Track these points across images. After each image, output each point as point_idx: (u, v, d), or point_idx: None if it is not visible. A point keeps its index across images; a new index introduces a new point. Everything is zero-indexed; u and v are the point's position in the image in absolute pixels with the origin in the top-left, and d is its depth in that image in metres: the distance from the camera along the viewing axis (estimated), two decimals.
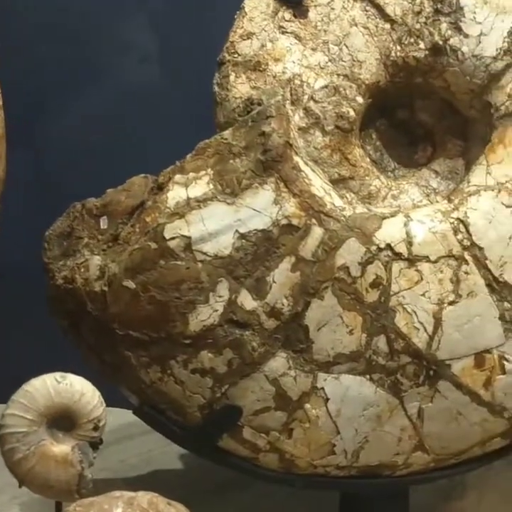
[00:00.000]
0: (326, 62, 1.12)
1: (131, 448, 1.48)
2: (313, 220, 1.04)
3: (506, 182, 1.08)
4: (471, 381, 1.08)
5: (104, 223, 1.08)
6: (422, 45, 1.11)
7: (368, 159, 1.16)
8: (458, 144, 1.17)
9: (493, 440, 1.14)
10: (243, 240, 1.04)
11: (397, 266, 1.06)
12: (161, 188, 1.07)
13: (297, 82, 1.11)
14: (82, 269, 1.07)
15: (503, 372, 1.08)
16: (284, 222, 1.04)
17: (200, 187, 1.05)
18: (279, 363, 1.06)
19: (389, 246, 1.06)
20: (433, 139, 1.19)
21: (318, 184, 1.07)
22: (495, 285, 1.07)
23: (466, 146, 1.16)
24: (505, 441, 1.15)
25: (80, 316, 1.10)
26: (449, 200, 1.11)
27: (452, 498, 1.32)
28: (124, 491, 0.79)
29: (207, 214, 1.04)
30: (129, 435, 1.45)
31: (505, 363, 1.08)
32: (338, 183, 1.12)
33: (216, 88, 1.15)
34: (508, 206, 1.07)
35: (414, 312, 1.06)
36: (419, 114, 1.18)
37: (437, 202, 1.14)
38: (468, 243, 1.07)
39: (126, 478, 1.35)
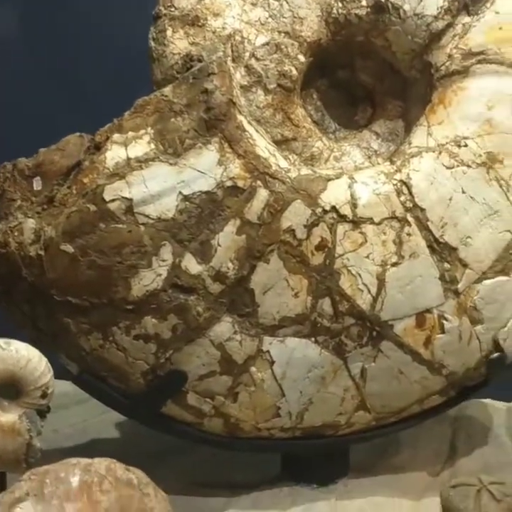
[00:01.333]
0: (267, 18, 1.09)
1: (65, 418, 1.43)
2: (259, 182, 1.02)
3: (447, 143, 1.09)
4: (412, 340, 1.10)
5: (37, 184, 1.02)
6: (363, 2, 1.09)
7: (310, 120, 1.15)
8: (398, 104, 1.17)
9: (431, 397, 1.17)
10: (187, 202, 1.00)
11: (341, 228, 1.06)
12: (98, 148, 1.02)
13: (238, 38, 1.07)
14: (16, 233, 1.02)
15: (443, 331, 1.11)
16: (228, 183, 1.01)
17: (141, 146, 1.00)
18: (224, 327, 1.05)
19: (334, 208, 1.05)
20: (373, 99, 1.19)
21: (262, 145, 1.04)
22: (436, 246, 1.08)
23: (407, 107, 1.16)
24: (442, 398, 1.18)
25: (13, 282, 1.04)
26: (392, 162, 1.11)
27: (388, 455, 1.35)
28: (80, 458, 0.76)
29: (149, 175, 1.00)
30: (63, 405, 1.40)
31: (444, 322, 1.10)
32: (281, 144, 1.10)
33: (152, 43, 1.10)
34: (448, 167, 1.08)
35: (359, 274, 1.06)
36: (360, 75, 1.17)
37: (378, 164, 1.14)
38: (411, 205, 1.07)
39: (61, 449, 1.30)
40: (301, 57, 1.10)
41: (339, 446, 1.20)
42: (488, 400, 1.61)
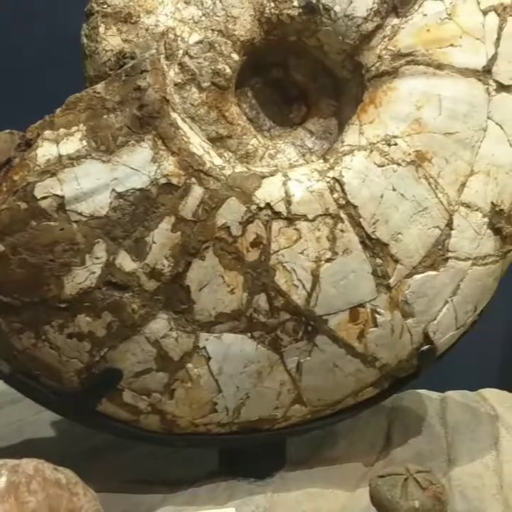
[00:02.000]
0: (200, 17, 1.09)
1: (0, 418, 1.41)
2: (193, 179, 1.03)
3: (378, 142, 1.11)
4: (346, 334, 1.12)
5: None
6: (295, 3, 1.11)
7: (245, 117, 1.16)
8: (331, 103, 1.19)
9: (366, 390, 1.20)
10: (120, 200, 1.00)
11: (276, 225, 1.07)
12: (29, 145, 1.00)
13: (171, 36, 1.07)
14: None
15: (375, 325, 1.13)
16: (162, 181, 1.01)
17: (73, 143, 1.00)
18: (160, 324, 1.05)
19: (269, 205, 1.06)
20: (307, 98, 1.20)
21: (196, 142, 1.05)
22: (368, 242, 1.10)
23: (340, 106, 1.19)
24: (375, 390, 1.21)
25: None
26: (325, 160, 1.13)
27: (324, 448, 1.37)
28: (7, 459, 0.75)
29: (81, 172, 0.99)
30: None
31: (377, 316, 1.13)
32: (215, 141, 1.11)
33: (85, 40, 1.09)
34: (379, 165, 1.11)
35: (294, 270, 1.08)
36: (293, 74, 1.19)
37: (313, 161, 1.15)
38: (344, 202, 1.09)
39: None
40: (235, 56, 1.11)
41: (276, 439, 1.22)
42: (423, 391, 1.66)
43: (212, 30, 1.09)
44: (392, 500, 0.78)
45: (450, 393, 1.66)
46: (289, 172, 1.10)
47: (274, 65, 1.19)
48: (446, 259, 1.15)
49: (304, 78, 1.19)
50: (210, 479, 1.22)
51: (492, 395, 1.65)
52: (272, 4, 1.11)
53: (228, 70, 1.10)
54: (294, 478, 1.25)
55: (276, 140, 1.18)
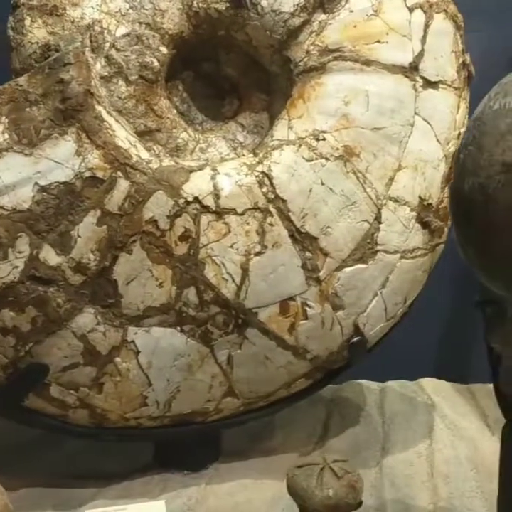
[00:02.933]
0: (127, 9, 1.09)
1: None
2: (119, 173, 1.02)
3: (306, 137, 1.12)
4: (276, 327, 1.13)
5: None
6: None
7: (175, 111, 1.16)
8: (262, 98, 1.20)
9: (298, 381, 1.21)
10: (44, 193, 0.99)
11: (205, 219, 1.07)
12: None
13: (97, 28, 1.07)
14: None
15: (306, 317, 1.14)
16: (87, 174, 1.01)
17: None
18: (87, 318, 1.04)
19: (197, 199, 1.07)
20: (239, 92, 1.21)
21: (123, 136, 1.05)
22: (297, 236, 1.11)
23: (271, 101, 1.19)
24: (308, 381, 1.23)
25: None
26: (254, 154, 1.14)
27: (261, 439, 1.38)
28: None
29: (2, 166, 0.98)
30: None
31: (307, 308, 1.14)
32: (144, 134, 1.11)
33: (11, 32, 1.08)
34: (308, 160, 1.12)
35: (223, 263, 1.08)
36: (225, 68, 1.19)
37: (244, 155, 1.16)
38: (273, 196, 1.10)
39: None
40: (163, 49, 1.11)
41: (210, 432, 1.23)
42: (363, 381, 1.69)
43: (140, 23, 1.09)
44: (307, 489, 0.79)
45: (390, 383, 1.69)
46: (218, 166, 1.11)
47: (205, 59, 1.19)
48: (375, 253, 1.16)
49: (235, 72, 1.20)
50: (144, 472, 1.22)
51: (430, 385, 1.68)
52: None
53: (156, 63, 1.10)
54: (229, 469, 1.26)
55: (208, 134, 1.19)
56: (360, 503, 0.80)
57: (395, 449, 1.37)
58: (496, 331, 0.77)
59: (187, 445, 1.22)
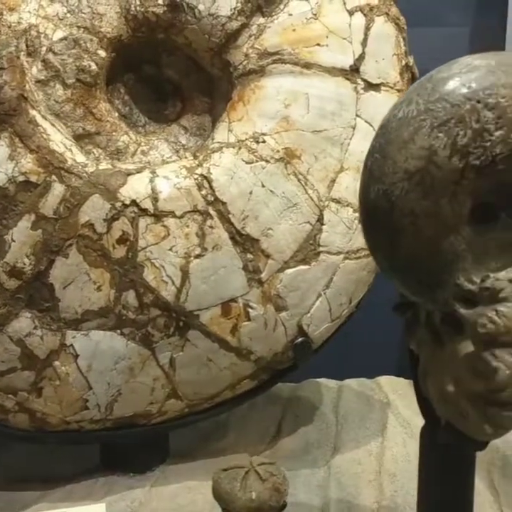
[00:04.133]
0: (65, 14, 1.09)
1: None
2: (54, 177, 1.02)
3: (246, 139, 1.13)
4: (219, 329, 1.14)
5: None
6: (160, 1, 1.11)
7: (116, 114, 1.16)
8: (205, 100, 1.20)
9: (242, 382, 1.22)
10: None
11: (143, 222, 1.08)
12: None
13: (34, 33, 1.06)
14: None
15: (248, 319, 1.15)
16: (20, 178, 1.01)
17: None
18: (23, 323, 1.04)
19: (134, 202, 1.07)
20: (182, 95, 1.21)
21: (58, 139, 1.05)
22: (238, 238, 1.12)
23: (213, 103, 1.20)
24: (253, 383, 1.23)
25: None
26: (195, 157, 1.14)
27: (213, 440, 1.39)
28: None
29: None
30: None
31: (249, 310, 1.15)
32: (83, 138, 1.11)
33: None
34: (248, 162, 1.12)
35: (162, 266, 1.09)
36: (166, 70, 1.20)
37: (186, 158, 1.16)
38: (212, 198, 1.11)
39: None
40: (102, 53, 1.11)
41: (156, 434, 1.23)
42: (322, 380, 1.70)
43: (78, 27, 1.09)
44: (230, 492, 0.80)
45: (348, 381, 1.70)
46: (157, 169, 1.11)
47: (146, 62, 1.19)
48: (318, 254, 1.17)
49: (177, 75, 1.20)
50: (90, 475, 1.23)
51: (388, 383, 1.69)
52: (138, 2, 1.11)
53: (94, 67, 1.10)
54: (175, 471, 1.26)
55: (151, 136, 1.19)
56: (283, 506, 0.81)
57: (345, 448, 1.38)
58: (414, 333, 0.77)
59: (132, 447, 1.22)
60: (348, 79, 1.16)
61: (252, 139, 1.12)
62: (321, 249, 1.17)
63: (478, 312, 0.67)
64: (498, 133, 0.66)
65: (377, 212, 0.69)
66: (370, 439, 1.41)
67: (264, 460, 0.83)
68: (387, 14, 1.20)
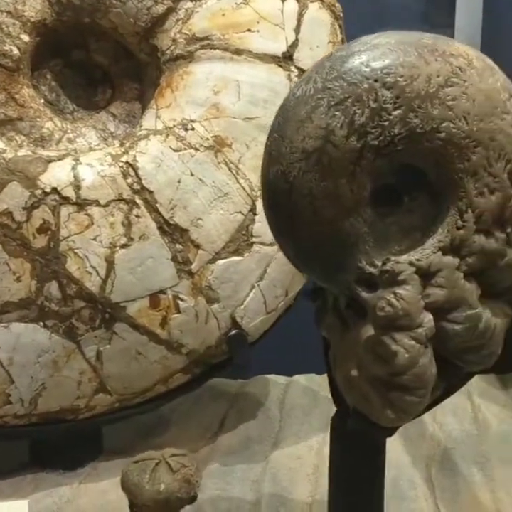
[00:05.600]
0: None
1: None
2: None
3: (174, 126, 1.10)
4: (147, 321, 1.11)
5: None
6: None
7: (41, 100, 1.13)
8: (134, 87, 1.18)
9: (175, 376, 1.19)
10: None
11: (65, 210, 1.05)
12: None
13: None
14: None
15: (178, 311, 1.13)
16: None
17: None
18: None
19: (55, 190, 1.04)
20: (111, 81, 1.18)
21: None
22: (166, 228, 1.10)
23: (142, 90, 1.17)
24: (186, 377, 1.21)
25: None
26: (121, 144, 1.11)
27: (152, 435, 1.36)
28: None
29: None
30: None
31: (179, 302, 1.12)
32: (5, 124, 1.07)
33: None
34: (176, 150, 1.10)
35: (86, 256, 1.06)
36: (95, 56, 1.17)
37: (113, 145, 1.13)
38: (139, 187, 1.08)
39: None
40: (25, 37, 1.08)
41: (85, 430, 1.20)
42: (271, 376, 1.68)
43: (0, 11, 1.06)
44: (138, 484, 0.77)
45: (297, 377, 1.68)
46: (81, 156, 1.08)
47: (74, 47, 1.16)
48: (251, 244, 1.15)
49: (105, 60, 1.17)
50: (18, 472, 1.19)
51: None
52: None
53: (16, 52, 1.07)
54: (108, 467, 1.23)
55: (78, 123, 1.16)
56: (194, 498, 0.78)
57: (285, 443, 1.36)
58: (323, 319, 0.76)
59: (62, 443, 1.19)
60: (280, 66, 1.14)
61: (180, 126, 1.10)
62: (254, 239, 1.15)
63: (378, 295, 0.65)
64: (396, 112, 0.64)
65: (276, 193, 0.67)
66: (312, 434, 1.40)
67: (176, 451, 0.81)
68: (321, 1, 1.18)
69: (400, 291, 0.64)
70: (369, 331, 0.67)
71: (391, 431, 0.73)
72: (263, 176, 0.69)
